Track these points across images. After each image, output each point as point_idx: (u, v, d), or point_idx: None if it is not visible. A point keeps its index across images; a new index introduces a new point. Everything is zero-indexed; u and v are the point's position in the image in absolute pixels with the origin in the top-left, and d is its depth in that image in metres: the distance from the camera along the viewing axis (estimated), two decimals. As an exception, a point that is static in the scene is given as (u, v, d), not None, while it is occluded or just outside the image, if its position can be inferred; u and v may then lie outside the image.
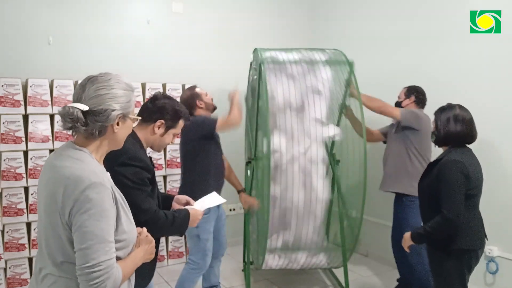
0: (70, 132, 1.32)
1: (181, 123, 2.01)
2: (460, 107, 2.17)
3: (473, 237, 2.11)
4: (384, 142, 3.40)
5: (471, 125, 2.14)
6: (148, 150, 1.99)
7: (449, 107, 2.18)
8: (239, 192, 3.20)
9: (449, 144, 2.16)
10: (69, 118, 1.23)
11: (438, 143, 2.21)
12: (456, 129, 2.11)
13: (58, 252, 1.24)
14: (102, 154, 1.36)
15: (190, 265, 2.82)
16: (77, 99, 1.28)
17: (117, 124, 1.32)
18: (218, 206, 2.83)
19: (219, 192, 2.83)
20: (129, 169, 1.72)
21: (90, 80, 1.30)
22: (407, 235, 2.22)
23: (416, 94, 3.18)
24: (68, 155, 1.28)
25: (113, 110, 1.28)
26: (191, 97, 2.90)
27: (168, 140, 2.00)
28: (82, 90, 1.28)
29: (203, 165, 2.78)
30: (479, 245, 2.13)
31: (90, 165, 1.27)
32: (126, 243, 1.31)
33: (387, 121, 3.38)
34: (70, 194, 1.20)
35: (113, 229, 1.24)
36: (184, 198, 2.11)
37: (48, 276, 1.26)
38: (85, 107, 1.24)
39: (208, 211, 2.74)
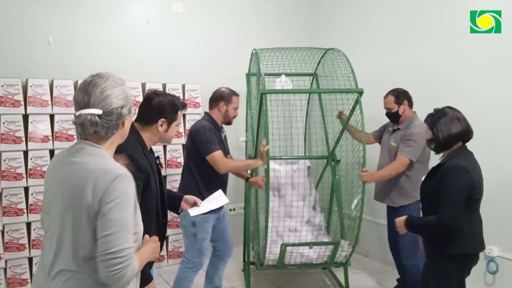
0: (75, 134, 1.35)
1: (180, 113, 2.06)
2: (450, 108, 2.17)
3: (475, 241, 2.11)
4: (380, 143, 3.35)
5: (466, 122, 2.14)
6: (156, 148, 2.01)
7: (439, 111, 2.16)
8: (247, 179, 3.13)
9: (450, 147, 2.13)
10: (89, 124, 1.29)
11: (438, 149, 2.18)
12: (457, 130, 2.09)
13: (77, 247, 1.27)
14: (113, 150, 1.42)
15: (185, 264, 2.81)
16: (84, 105, 1.31)
17: (126, 118, 1.40)
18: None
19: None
20: None
21: (90, 84, 1.33)
22: (402, 219, 2.21)
23: (407, 98, 3.08)
24: (86, 152, 1.33)
25: (123, 107, 1.35)
26: (223, 96, 2.87)
27: (173, 132, 2.06)
28: (87, 95, 1.31)
29: (207, 170, 2.74)
30: (481, 248, 2.14)
31: (111, 160, 1.35)
32: (138, 236, 1.36)
33: (382, 120, 3.36)
34: (101, 185, 1.24)
35: (133, 220, 1.30)
36: (192, 198, 2.18)
37: (63, 272, 1.28)
38: (99, 111, 1.30)
39: (207, 212, 2.74)
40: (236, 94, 2.94)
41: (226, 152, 2.91)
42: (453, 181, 2.01)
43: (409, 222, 2.19)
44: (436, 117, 2.14)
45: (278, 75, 3.23)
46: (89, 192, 1.24)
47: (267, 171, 2.80)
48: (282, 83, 3.27)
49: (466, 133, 2.12)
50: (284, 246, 2.88)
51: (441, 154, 2.21)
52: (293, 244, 2.99)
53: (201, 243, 2.78)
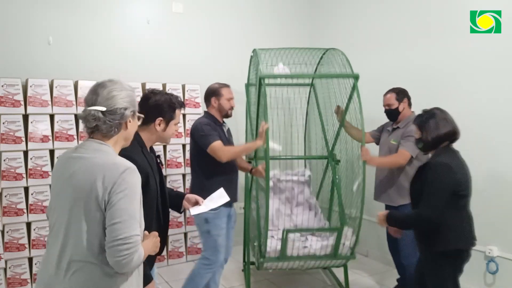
0: (87, 132, 1.45)
1: (178, 112, 2.05)
2: (438, 109, 2.24)
3: (465, 236, 2.15)
4: (377, 143, 3.36)
5: (454, 123, 2.21)
6: (157, 148, 2.00)
7: (428, 112, 2.24)
8: (250, 171, 3.15)
9: (437, 147, 2.20)
10: (92, 118, 1.40)
11: (426, 148, 2.24)
12: (444, 130, 2.17)
13: (87, 238, 1.32)
14: (117, 150, 1.49)
15: (202, 261, 2.81)
16: (92, 103, 1.42)
17: (129, 121, 1.48)
18: (229, 203, 2.77)
19: (235, 197, 2.85)
20: None
21: (99, 85, 1.45)
22: (383, 213, 2.30)
23: (407, 97, 3.11)
24: (93, 148, 1.42)
25: (126, 109, 1.45)
26: (212, 91, 2.88)
27: (172, 131, 2.05)
28: (95, 95, 1.43)
29: (209, 168, 2.75)
30: (471, 244, 2.17)
31: (117, 156, 1.43)
32: (141, 228, 1.41)
33: (382, 120, 3.37)
34: (110, 178, 1.33)
35: (139, 212, 1.38)
36: (194, 197, 2.19)
37: (73, 263, 1.33)
38: (103, 108, 1.40)
39: (217, 208, 2.72)
40: (226, 86, 2.93)
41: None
42: (436, 177, 2.07)
43: (390, 216, 2.27)
44: (425, 118, 2.22)
45: (277, 85, 3.26)
46: (99, 185, 1.32)
47: (266, 156, 2.79)
48: (280, 69, 3.31)
49: (453, 134, 2.20)
50: (286, 232, 2.85)
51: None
52: (296, 230, 2.97)
53: (215, 240, 2.76)
